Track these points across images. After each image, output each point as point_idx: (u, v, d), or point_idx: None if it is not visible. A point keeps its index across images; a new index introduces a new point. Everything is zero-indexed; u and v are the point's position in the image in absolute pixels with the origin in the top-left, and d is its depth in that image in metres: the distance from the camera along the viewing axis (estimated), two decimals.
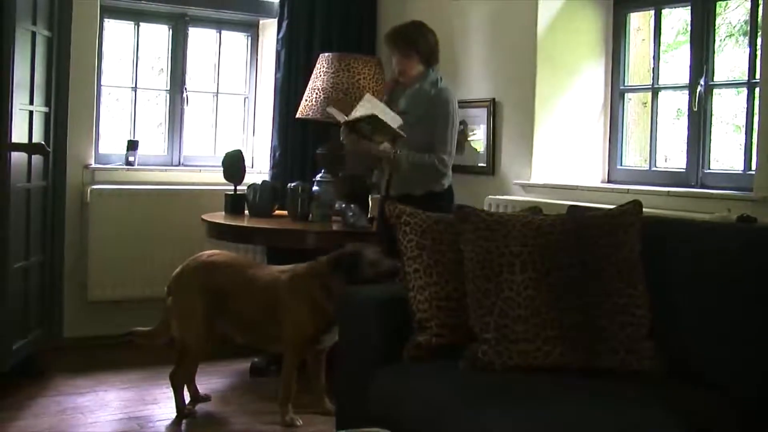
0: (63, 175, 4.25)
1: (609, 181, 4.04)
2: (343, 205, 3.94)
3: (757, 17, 3.29)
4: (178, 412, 3.45)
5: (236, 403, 3.65)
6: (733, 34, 3.81)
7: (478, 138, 4.30)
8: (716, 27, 3.58)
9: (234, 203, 4.35)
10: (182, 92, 4.89)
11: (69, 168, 4.31)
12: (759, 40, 3.19)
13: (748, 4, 3.45)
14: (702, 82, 3.53)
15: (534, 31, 4.01)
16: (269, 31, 5.05)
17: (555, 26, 4.04)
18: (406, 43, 3.55)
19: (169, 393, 3.50)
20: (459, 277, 2.54)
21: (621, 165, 4.04)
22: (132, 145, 4.65)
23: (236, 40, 5.17)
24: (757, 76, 3.22)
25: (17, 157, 3.55)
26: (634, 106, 4.10)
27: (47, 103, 3.91)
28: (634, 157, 4.08)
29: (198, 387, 3.59)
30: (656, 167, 3.84)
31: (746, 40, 3.52)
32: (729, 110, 3.75)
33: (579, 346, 2.36)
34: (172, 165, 4.88)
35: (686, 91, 3.64)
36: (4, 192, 3.46)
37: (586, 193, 3.73)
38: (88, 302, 4.44)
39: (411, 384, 2.39)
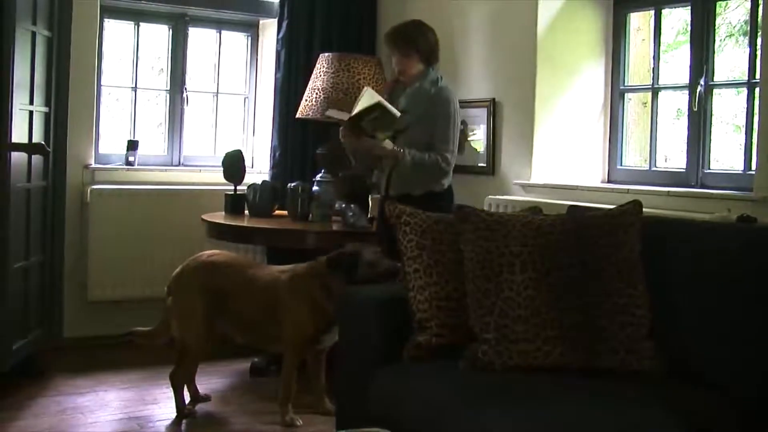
0: (63, 175, 4.25)
1: (609, 181, 4.04)
2: (343, 205, 3.94)
3: (757, 17, 3.29)
4: (178, 412, 3.45)
5: (236, 403, 3.65)
6: (733, 34, 3.81)
7: (478, 138, 4.30)
8: (716, 27, 3.58)
9: (234, 203, 4.35)
10: (182, 92, 4.89)
11: (69, 168, 4.31)
12: (759, 40, 3.19)
13: (748, 4, 3.45)
14: (702, 82, 3.53)
15: (534, 31, 4.01)
16: (269, 31, 5.05)
17: (555, 26, 4.04)
18: (405, 42, 3.55)
19: (169, 393, 3.50)
20: (459, 277, 2.54)
21: (621, 165, 4.04)
22: (132, 145, 4.65)
23: (236, 40, 5.17)
24: (757, 76, 3.22)
25: (17, 157, 3.55)
26: (634, 106, 4.10)
27: (47, 103, 3.91)
28: (634, 157, 4.08)
29: (198, 387, 3.59)
30: (656, 167, 3.84)
31: (746, 40, 3.52)
32: (729, 110, 3.75)
33: (579, 346, 2.36)
34: (172, 165, 4.88)
35: (686, 91, 3.64)
36: (4, 192, 3.46)
37: (586, 193, 3.73)
38: (88, 302, 4.44)
39: (411, 384, 2.39)
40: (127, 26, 4.79)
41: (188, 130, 4.96)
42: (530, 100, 4.03)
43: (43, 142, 3.77)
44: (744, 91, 3.47)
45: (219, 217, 4.16)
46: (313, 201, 4.11)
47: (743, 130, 3.48)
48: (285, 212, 4.23)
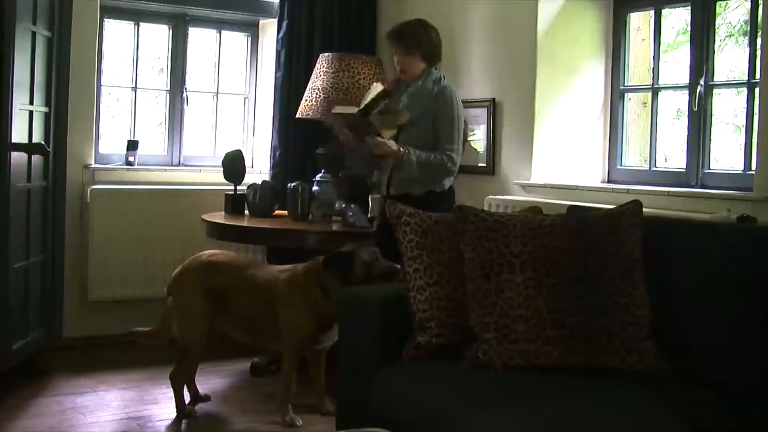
0: (63, 175, 4.26)
1: (609, 181, 4.04)
2: (343, 205, 3.94)
3: (757, 17, 3.29)
4: (178, 412, 3.45)
5: (236, 403, 3.65)
6: (733, 34, 3.81)
7: (478, 138, 4.30)
8: (716, 27, 3.58)
9: (234, 203, 4.35)
10: (182, 92, 4.89)
11: (69, 168, 4.32)
12: (759, 40, 3.19)
13: (748, 4, 3.45)
14: (702, 82, 3.53)
15: (534, 31, 4.01)
16: (269, 31, 5.05)
17: (555, 26, 4.04)
18: (408, 40, 3.54)
19: (169, 393, 3.50)
20: (459, 277, 2.54)
21: (621, 165, 4.04)
22: (132, 145, 4.65)
23: (236, 40, 5.17)
24: (757, 76, 3.22)
25: (17, 157, 3.55)
26: (634, 106, 4.10)
27: (47, 103, 3.91)
28: (634, 157, 4.08)
29: (198, 387, 3.59)
30: (656, 167, 3.84)
31: (746, 40, 3.52)
32: (729, 110, 3.75)
33: (579, 346, 2.36)
34: (172, 165, 4.88)
35: (686, 91, 3.64)
36: (4, 192, 3.46)
37: (586, 193, 3.73)
38: (88, 302, 4.43)
39: (411, 384, 2.39)
40: (127, 26, 4.79)
41: (188, 130, 4.96)
42: (530, 100, 4.03)
43: (43, 142, 3.77)
44: (744, 91, 3.47)
45: (219, 217, 4.17)
46: (313, 201, 4.11)
47: (743, 130, 3.48)
48: (285, 212, 4.23)
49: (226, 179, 4.43)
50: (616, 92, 4.06)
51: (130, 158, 4.64)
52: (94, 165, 4.50)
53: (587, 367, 2.35)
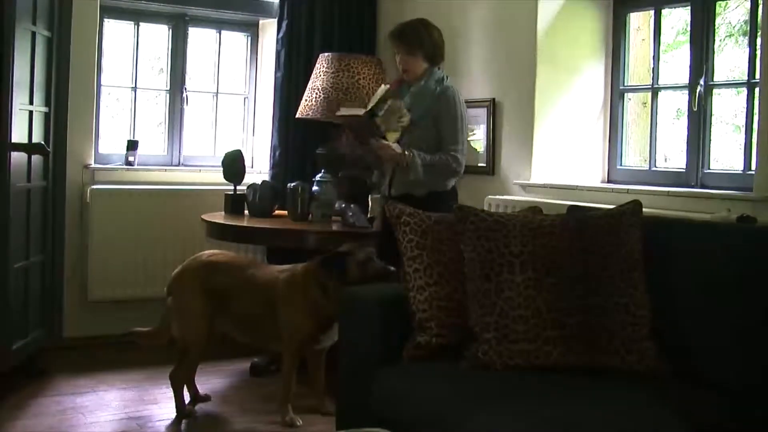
0: (63, 175, 4.26)
1: (609, 181, 4.04)
2: (343, 205, 3.94)
3: (757, 17, 3.29)
4: (178, 412, 3.45)
5: (236, 403, 3.65)
6: (733, 34, 3.81)
7: (478, 138, 4.30)
8: (716, 27, 3.58)
9: (234, 203, 4.35)
10: (182, 92, 4.89)
11: (69, 168, 4.32)
12: (759, 40, 3.19)
13: (748, 4, 3.45)
14: (702, 82, 3.53)
15: (534, 31, 4.01)
16: (269, 31, 5.05)
17: (555, 26, 4.04)
18: (410, 40, 3.54)
19: (169, 393, 3.50)
20: (459, 277, 2.54)
21: (621, 165, 4.04)
22: (132, 145, 4.65)
23: (236, 40, 5.17)
24: (757, 76, 3.22)
25: (17, 157, 3.55)
26: (634, 106, 4.10)
27: (47, 103, 3.91)
28: (634, 157, 4.08)
29: (198, 387, 3.60)
30: (656, 167, 3.84)
31: (746, 40, 3.52)
32: (729, 110, 3.75)
33: (579, 346, 2.36)
34: (171, 165, 4.87)
35: (686, 91, 3.64)
36: (4, 192, 3.45)
37: (586, 193, 3.73)
38: (88, 302, 4.43)
39: (411, 384, 2.39)
40: (127, 26, 4.79)
41: (188, 130, 4.96)
42: (530, 100, 4.03)
43: (42, 142, 3.77)
44: (744, 91, 3.46)
45: (219, 217, 4.16)
46: (312, 201, 4.11)
47: (743, 130, 3.48)
48: (285, 212, 4.23)
49: (226, 179, 4.43)
50: (616, 92, 4.06)
51: (130, 158, 4.64)
52: (93, 165, 4.50)
53: (587, 367, 2.35)
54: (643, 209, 2.54)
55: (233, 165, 4.43)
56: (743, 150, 3.42)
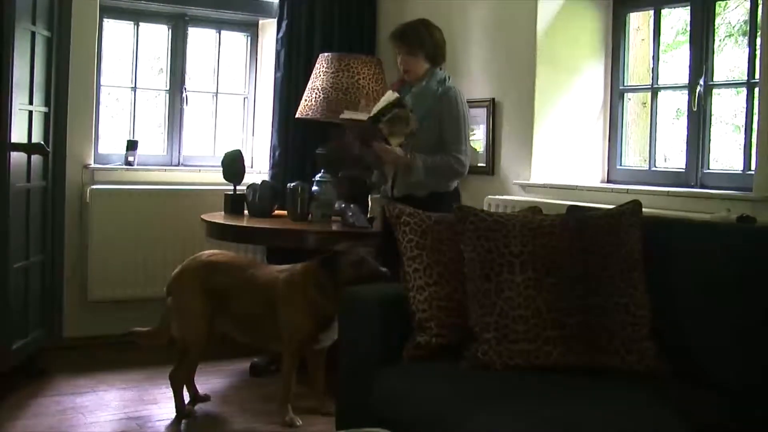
0: (62, 175, 4.26)
1: (609, 181, 4.04)
2: (343, 205, 3.94)
3: (757, 17, 3.29)
4: (177, 412, 3.45)
5: (236, 403, 3.65)
6: (733, 34, 3.81)
7: (478, 138, 4.30)
8: (716, 27, 3.58)
9: (233, 203, 4.35)
10: (182, 92, 4.89)
11: (68, 168, 4.32)
12: (758, 40, 3.19)
13: (748, 4, 3.45)
14: (701, 82, 3.53)
15: (534, 31, 4.01)
16: (269, 31, 5.05)
17: (555, 26, 4.04)
18: (410, 40, 3.53)
19: (169, 393, 3.50)
20: (459, 277, 2.54)
21: (621, 165, 4.04)
22: (131, 145, 4.65)
23: (236, 40, 5.17)
24: (757, 76, 3.22)
25: (17, 157, 3.55)
26: (634, 106, 4.11)
27: (47, 103, 3.91)
28: (633, 157, 4.08)
29: (198, 387, 3.60)
30: (656, 167, 3.84)
31: (746, 40, 3.52)
32: (728, 110, 3.75)
33: (579, 346, 2.36)
34: (171, 165, 4.87)
35: (686, 91, 3.64)
36: (4, 192, 3.45)
37: (586, 193, 3.74)
38: (87, 302, 4.43)
39: (411, 384, 2.39)
40: (127, 26, 4.79)
41: (188, 130, 4.96)
42: (530, 100, 4.03)
43: (42, 142, 3.77)
44: (743, 91, 3.47)
45: (219, 217, 4.16)
46: (312, 201, 4.11)
47: (743, 130, 3.48)
48: (284, 212, 4.23)
49: (226, 179, 4.43)
50: (616, 92, 4.06)
51: (130, 158, 4.64)
52: (93, 165, 4.50)
53: (587, 367, 2.35)
54: (643, 209, 2.54)
55: (233, 165, 4.43)
56: (743, 150, 3.42)
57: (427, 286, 2.56)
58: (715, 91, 3.57)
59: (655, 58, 3.85)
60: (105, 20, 4.64)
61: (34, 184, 3.79)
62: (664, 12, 3.85)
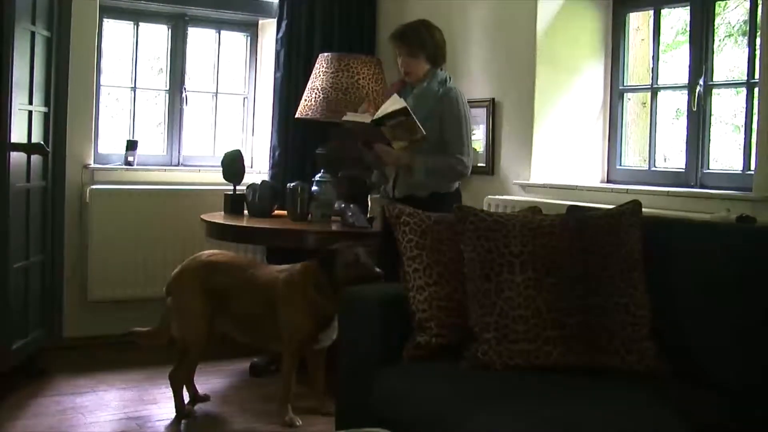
0: (62, 175, 4.26)
1: (608, 181, 4.04)
2: (343, 205, 3.94)
3: (756, 17, 3.29)
4: (177, 412, 3.45)
5: (236, 403, 3.65)
6: (732, 34, 3.81)
7: (478, 138, 4.30)
8: (715, 27, 3.59)
9: (233, 203, 4.35)
10: (182, 92, 4.89)
11: (68, 168, 4.32)
12: (758, 40, 3.19)
13: (747, 4, 3.45)
14: (701, 82, 3.53)
15: (533, 31, 4.01)
16: (269, 31, 5.05)
17: (555, 26, 4.04)
18: (411, 41, 3.52)
19: (169, 393, 3.50)
20: (459, 277, 2.54)
21: (620, 165, 4.05)
22: (131, 145, 4.65)
23: (236, 40, 5.17)
24: (756, 76, 3.22)
25: (16, 157, 3.55)
26: (634, 106, 4.11)
27: (46, 103, 3.91)
28: (633, 157, 4.08)
29: (198, 387, 3.60)
30: (656, 167, 3.84)
31: (745, 40, 3.52)
32: (728, 110, 3.76)
33: (579, 346, 2.36)
34: (171, 165, 4.87)
35: (685, 91, 3.64)
36: (4, 192, 3.45)
37: (586, 193, 3.74)
38: (87, 302, 4.43)
39: (411, 384, 2.39)
40: (127, 26, 4.79)
41: (187, 130, 4.96)
42: (530, 100, 4.03)
43: (42, 142, 3.77)
44: (743, 91, 3.47)
45: (218, 217, 4.16)
46: (312, 201, 4.11)
47: (742, 130, 3.48)
48: (284, 212, 4.23)
49: (226, 179, 4.43)
50: (616, 92, 4.06)
51: (130, 158, 4.64)
52: (93, 165, 4.50)
53: (587, 367, 2.35)
54: (643, 209, 2.54)
55: (233, 165, 4.43)
56: (742, 150, 3.42)
57: (427, 286, 2.56)
58: (714, 91, 3.57)
59: (655, 58, 3.85)
60: (105, 20, 4.64)
61: (33, 184, 3.79)
62: (664, 12, 3.85)
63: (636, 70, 4.08)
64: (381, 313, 2.64)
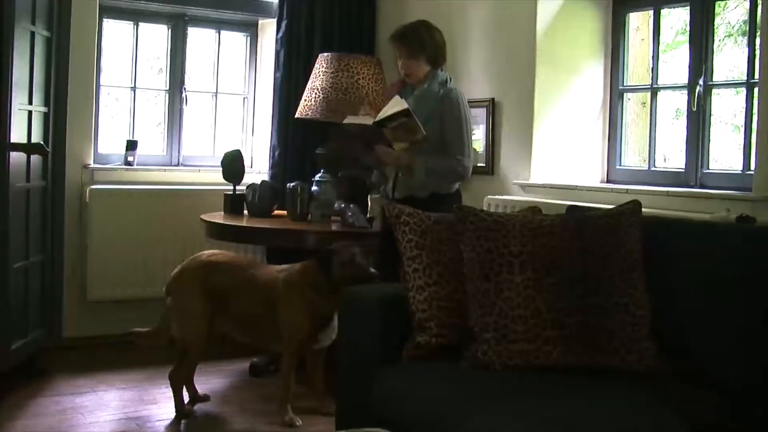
0: (62, 175, 4.26)
1: (608, 181, 4.04)
2: (342, 205, 3.94)
3: (756, 17, 3.29)
4: (177, 412, 3.45)
5: (235, 403, 3.65)
6: (732, 34, 3.82)
7: (478, 138, 4.30)
8: (715, 27, 3.59)
9: (233, 203, 4.35)
10: (181, 92, 4.88)
11: (68, 168, 4.32)
12: (758, 40, 3.19)
13: (747, 4, 3.45)
14: (701, 82, 3.53)
15: (533, 31, 4.01)
16: (268, 31, 5.05)
17: (555, 26, 4.04)
18: (411, 43, 3.51)
19: (168, 393, 3.49)
20: (458, 277, 2.54)
21: (620, 165, 4.05)
22: (131, 145, 4.65)
23: (235, 40, 5.17)
24: (756, 76, 3.22)
25: (16, 157, 3.55)
26: (633, 106, 4.11)
27: (46, 103, 3.91)
28: (633, 157, 4.09)
29: (198, 387, 3.60)
30: (655, 167, 3.85)
31: (745, 40, 3.52)
32: (728, 110, 3.76)
33: (579, 346, 2.36)
34: (171, 165, 4.87)
35: (685, 91, 3.64)
36: (4, 192, 3.45)
37: (586, 193, 3.74)
38: (87, 302, 4.43)
39: (411, 384, 2.39)
40: (127, 26, 4.79)
41: (187, 130, 4.96)
42: (530, 100, 4.03)
43: (42, 142, 3.77)
44: (743, 91, 3.47)
45: (218, 217, 4.16)
46: (312, 201, 4.11)
47: (742, 130, 3.48)
48: (284, 212, 4.23)
49: (225, 179, 4.43)
50: (616, 92, 4.06)
51: (129, 158, 4.64)
52: (93, 165, 4.50)
53: (587, 367, 2.35)
54: (643, 209, 2.54)
55: (232, 165, 4.43)
56: (742, 150, 3.42)
57: (427, 286, 2.56)
58: (714, 91, 3.57)
59: (655, 58, 3.85)
60: (105, 20, 4.64)
61: (33, 184, 3.79)
62: (664, 12, 3.85)
63: (636, 70, 4.08)
64: (381, 313, 2.64)
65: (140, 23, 4.80)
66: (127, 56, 4.81)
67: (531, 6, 4.02)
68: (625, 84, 4.05)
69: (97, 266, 4.40)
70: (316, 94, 4.30)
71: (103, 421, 3.36)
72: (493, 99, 4.24)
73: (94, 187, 4.42)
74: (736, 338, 2.29)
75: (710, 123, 3.56)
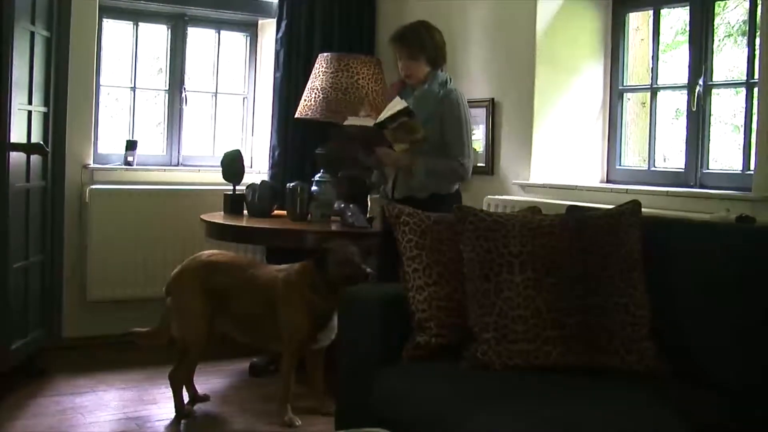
0: (62, 175, 4.26)
1: (608, 181, 4.04)
2: (342, 205, 3.94)
3: (756, 17, 3.29)
4: (177, 412, 3.45)
5: (235, 403, 3.65)
6: (732, 34, 3.82)
7: (477, 138, 4.30)
8: (715, 27, 3.59)
9: (233, 203, 4.35)
10: (181, 92, 4.88)
11: (68, 168, 4.32)
12: (757, 40, 3.19)
13: (747, 4, 3.45)
14: (701, 82, 3.54)
15: (533, 31, 4.01)
16: (268, 31, 5.05)
17: (554, 26, 4.04)
18: (411, 43, 3.51)
19: (168, 393, 3.49)
20: (458, 277, 2.54)
21: (620, 165, 4.05)
22: (131, 145, 4.65)
23: (235, 40, 5.17)
24: (756, 76, 3.22)
25: (16, 157, 3.55)
26: (633, 106, 4.11)
27: (46, 103, 3.91)
28: (633, 157, 4.09)
29: (198, 387, 3.60)
30: (655, 167, 3.85)
31: (745, 40, 3.52)
32: (728, 110, 3.76)
33: (579, 346, 2.36)
34: (171, 165, 4.87)
35: (685, 91, 3.65)
36: (3, 192, 3.45)
37: (585, 193, 3.74)
38: (87, 302, 4.43)
39: (411, 384, 2.39)
40: (126, 26, 4.79)
41: (187, 130, 4.96)
42: (529, 100, 4.03)
43: (41, 142, 3.77)
44: (742, 91, 3.47)
45: (218, 217, 4.16)
46: (312, 201, 4.11)
47: (742, 130, 3.48)
48: (284, 212, 4.23)
49: (225, 179, 4.43)
50: (615, 92, 4.06)
51: (129, 158, 4.64)
52: (93, 165, 4.50)
53: (587, 367, 2.35)
54: (643, 209, 2.54)
55: (232, 165, 4.43)
56: (742, 150, 3.42)
57: (427, 286, 2.56)
58: (714, 91, 3.57)
59: (655, 58, 3.85)
60: (104, 20, 4.64)
61: (33, 184, 3.79)
62: (664, 12, 3.85)
63: (635, 70, 4.08)
64: (381, 313, 2.64)
65: (140, 23, 4.80)
66: (127, 56, 4.81)
67: (531, 6, 4.02)
68: (624, 84, 4.05)
69: (96, 266, 4.40)
70: (315, 94, 4.30)
71: (103, 421, 3.36)
72: (492, 99, 4.24)
73: (93, 187, 4.42)
74: (736, 338, 2.29)
75: (710, 123, 3.56)
